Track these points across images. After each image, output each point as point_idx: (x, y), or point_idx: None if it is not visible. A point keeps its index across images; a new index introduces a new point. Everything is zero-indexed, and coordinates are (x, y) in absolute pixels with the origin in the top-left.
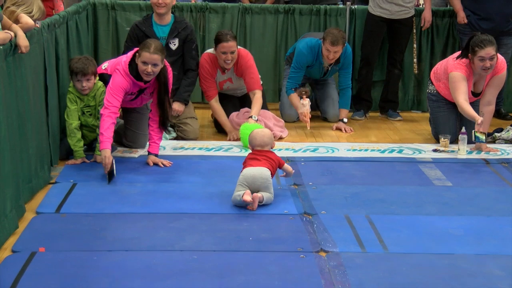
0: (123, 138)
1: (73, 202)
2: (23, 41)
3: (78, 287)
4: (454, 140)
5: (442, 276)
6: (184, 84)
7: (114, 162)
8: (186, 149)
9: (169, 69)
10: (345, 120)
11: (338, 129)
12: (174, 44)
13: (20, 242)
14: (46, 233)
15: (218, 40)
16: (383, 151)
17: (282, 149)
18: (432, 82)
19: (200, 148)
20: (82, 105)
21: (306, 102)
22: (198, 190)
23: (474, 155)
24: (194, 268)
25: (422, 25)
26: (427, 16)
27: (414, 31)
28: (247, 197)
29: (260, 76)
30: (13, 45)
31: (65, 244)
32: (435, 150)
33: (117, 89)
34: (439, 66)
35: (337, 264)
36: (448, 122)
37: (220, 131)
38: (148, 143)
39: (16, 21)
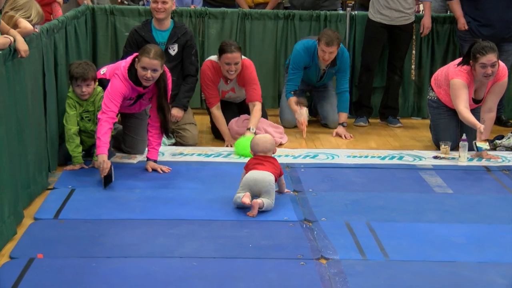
0: (121, 144)
1: (71, 208)
2: (22, 46)
3: None
4: (455, 147)
5: (443, 284)
6: (183, 89)
7: (112, 167)
8: (185, 155)
9: (168, 75)
10: (345, 124)
11: (338, 135)
12: (174, 50)
13: (18, 248)
14: (44, 239)
15: (222, 51)
16: (383, 158)
17: (281, 155)
18: (432, 89)
19: (199, 154)
20: (81, 110)
21: (304, 111)
22: (198, 196)
23: (475, 162)
24: (194, 275)
25: (421, 31)
26: (426, 22)
27: (414, 37)
28: (246, 199)
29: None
30: (12, 50)
31: (63, 251)
32: (435, 157)
33: (115, 94)
34: (440, 72)
35: (338, 272)
36: (449, 129)
37: (217, 137)
38: (147, 149)
39: (15, 26)
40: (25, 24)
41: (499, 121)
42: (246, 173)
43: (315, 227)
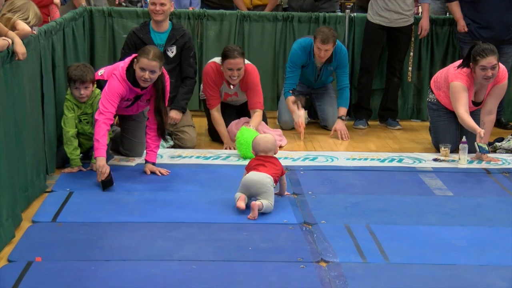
0: (120, 146)
1: (69, 211)
2: (20, 48)
3: None
4: (455, 150)
5: (444, 287)
6: (181, 92)
7: (110, 171)
8: (184, 157)
9: (167, 77)
10: (344, 118)
11: (336, 132)
12: (172, 52)
13: (16, 251)
14: (42, 243)
15: (225, 56)
16: (383, 160)
17: (281, 158)
18: (432, 91)
19: (198, 157)
20: (79, 112)
21: (302, 112)
22: (196, 199)
23: (475, 165)
24: (193, 278)
25: (419, 33)
26: (424, 24)
27: (413, 39)
28: (241, 204)
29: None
30: (10, 52)
31: (62, 254)
32: (435, 160)
33: (113, 94)
34: (439, 74)
35: (338, 275)
36: (449, 131)
37: (214, 139)
38: (145, 151)
39: (13, 28)
40: (23, 26)
41: (499, 124)
42: (246, 174)
43: (314, 229)
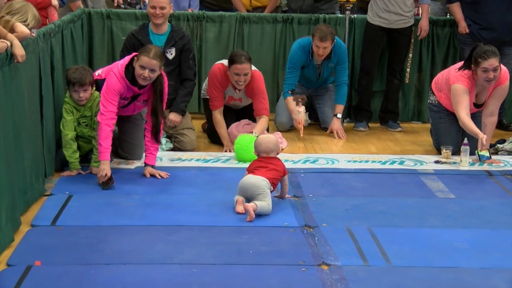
0: (119, 148)
1: (69, 214)
2: (19, 50)
3: None
4: (456, 152)
5: None
6: (181, 94)
7: (112, 175)
8: (184, 160)
9: (165, 79)
10: (339, 115)
11: (332, 131)
12: (171, 54)
13: (16, 255)
14: (42, 246)
15: (232, 61)
16: (384, 163)
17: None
18: (433, 93)
19: (197, 159)
20: (78, 115)
21: (302, 109)
22: (196, 202)
23: (477, 167)
24: (194, 281)
25: (418, 34)
26: (424, 25)
27: (412, 40)
28: (239, 208)
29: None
30: (9, 55)
31: (61, 258)
32: (437, 162)
33: (112, 92)
34: (441, 76)
35: (340, 278)
36: (450, 133)
37: (213, 141)
38: (144, 154)
39: (12, 30)
40: (21, 28)
41: (500, 125)
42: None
43: (316, 232)
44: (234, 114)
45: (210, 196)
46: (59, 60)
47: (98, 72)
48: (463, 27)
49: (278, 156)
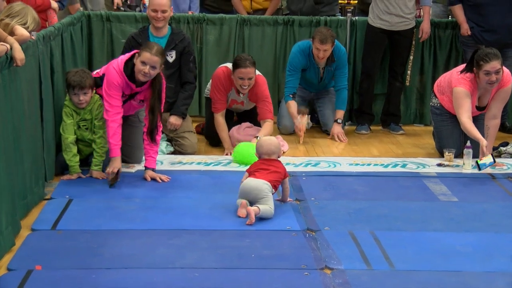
0: None
1: (69, 218)
2: (19, 54)
3: None
4: (459, 154)
5: None
6: (181, 97)
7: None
8: (184, 163)
9: (164, 81)
10: (339, 121)
11: (333, 136)
12: (171, 57)
13: (16, 260)
14: (42, 251)
15: (236, 65)
16: (386, 166)
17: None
18: (435, 95)
19: (198, 163)
20: (78, 118)
21: (304, 119)
22: (198, 205)
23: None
24: (195, 286)
25: (420, 36)
26: (425, 27)
27: (414, 42)
28: (241, 212)
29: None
30: (8, 58)
31: (62, 262)
32: (439, 165)
33: (113, 87)
34: (443, 79)
35: (343, 282)
36: (452, 135)
37: (212, 143)
38: (144, 157)
39: (11, 33)
40: (21, 31)
41: (503, 128)
42: (247, 177)
43: (318, 236)
44: (233, 118)
45: (211, 199)
46: (58, 63)
47: (96, 71)
48: (465, 29)
49: (280, 157)
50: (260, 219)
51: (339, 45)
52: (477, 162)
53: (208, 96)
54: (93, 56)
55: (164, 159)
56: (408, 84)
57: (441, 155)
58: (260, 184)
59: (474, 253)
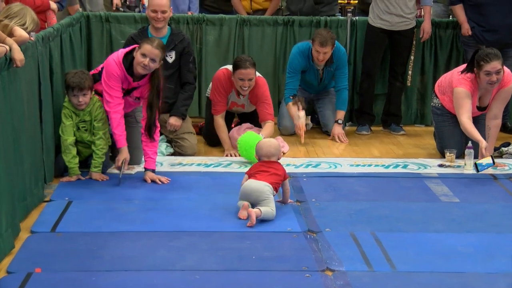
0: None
1: (69, 220)
2: (18, 55)
3: None
4: (460, 155)
5: None
6: (181, 98)
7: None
8: (184, 165)
9: (162, 81)
10: (340, 121)
11: (334, 136)
12: (171, 57)
13: (15, 262)
14: (42, 253)
15: (236, 66)
16: (387, 167)
17: (283, 165)
18: (436, 96)
19: (198, 164)
20: (77, 120)
21: (302, 114)
22: (198, 207)
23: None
24: None
25: (421, 36)
26: (426, 27)
27: (414, 42)
28: (241, 214)
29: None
30: (7, 59)
31: (62, 264)
32: (440, 165)
33: (112, 78)
34: (444, 79)
35: (344, 284)
36: (454, 136)
37: (211, 144)
38: (143, 159)
39: (10, 34)
40: (20, 32)
41: (504, 128)
42: (247, 179)
43: (319, 238)
44: (232, 119)
45: (211, 201)
46: (58, 64)
47: (96, 68)
48: (466, 29)
49: (279, 160)
50: (261, 220)
51: (338, 46)
52: (475, 163)
53: (208, 95)
54: (92, 57)
55: (164, 161)
56: (409, 84)
57: (442, 155)
58: (261, 186)
59: (476, 254)
